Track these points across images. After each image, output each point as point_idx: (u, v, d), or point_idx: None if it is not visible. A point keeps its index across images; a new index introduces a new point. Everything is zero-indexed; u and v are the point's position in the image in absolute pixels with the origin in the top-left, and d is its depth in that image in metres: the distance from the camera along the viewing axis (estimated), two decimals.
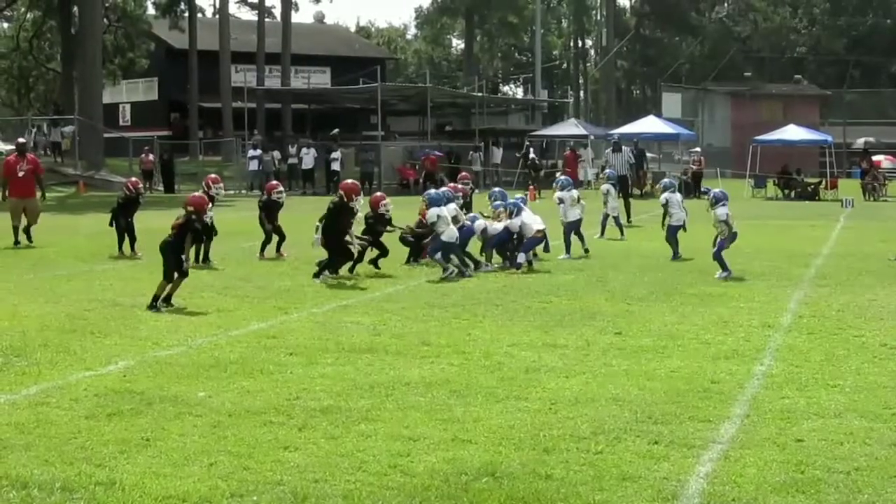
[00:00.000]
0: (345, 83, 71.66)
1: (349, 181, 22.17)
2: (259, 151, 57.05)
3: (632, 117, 75.06)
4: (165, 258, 17.06)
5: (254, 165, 56.57)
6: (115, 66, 77.39)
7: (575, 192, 25.55)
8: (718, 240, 21.08)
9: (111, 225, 24.64)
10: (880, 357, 13.30)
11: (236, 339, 14.30)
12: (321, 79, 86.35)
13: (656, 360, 12.96)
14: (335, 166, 55.45)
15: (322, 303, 17.53)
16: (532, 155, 59.83)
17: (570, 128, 66.41)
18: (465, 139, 66.75)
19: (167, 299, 16.92)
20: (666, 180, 28.43)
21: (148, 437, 9.61)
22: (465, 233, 22.10)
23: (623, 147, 40.25)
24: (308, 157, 56.91)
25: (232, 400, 10.94)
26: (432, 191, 23.75)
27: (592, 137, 63.89)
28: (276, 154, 58.34)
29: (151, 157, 57.73)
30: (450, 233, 20.95)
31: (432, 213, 21.16)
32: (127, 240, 24.48)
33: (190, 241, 17.49)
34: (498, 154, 62.64)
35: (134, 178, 27.50)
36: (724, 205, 21.00)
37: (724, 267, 20.71)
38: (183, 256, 17.08)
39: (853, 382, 11.83)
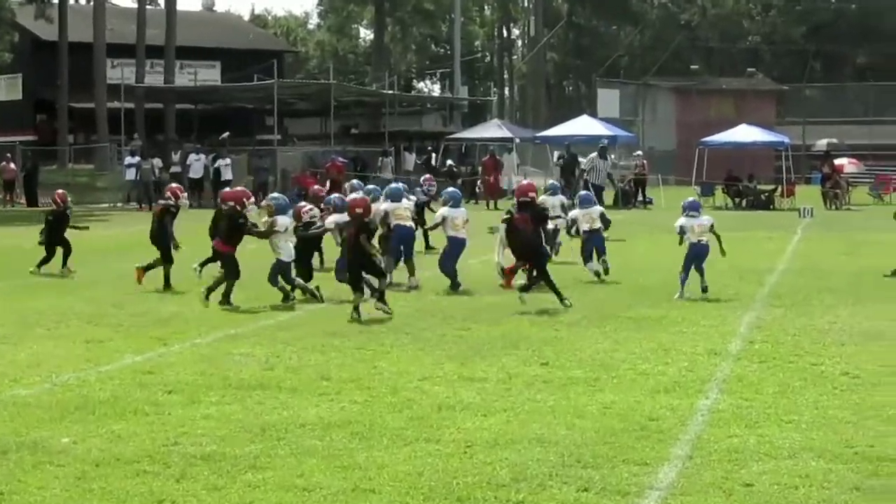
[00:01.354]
0: (237, 79, 71.50)
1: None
2: (137, 159, 56.43)
3: (563, 117, 75.18)
4: (366, 270, 19.02)
5: (131, 175, 55.94)
6: None
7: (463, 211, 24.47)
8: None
9: (41, 244, 25.27)
10: (841, 388, 13.42)
11: (107, 375, 14.16)
12: (210, 74, 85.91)
13: (587, 395, 12.99)
14: (226, 174, 55.05)
15: (207, 332, 17.42)
16: (449, 161, 59.94)
17: (492, 129, 66.35)
18: (373, 143, 66.69)
19: (381, 298, 18.93)
20: (551, 181, 28.96)
21: (1, 490, 9.49)
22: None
23: (608, 156, 40.43)
24: (198, 165, 56.53)
25: (100, 446, 10.83)
26: (334, 195, 23.61)
27: (518, 140, 63.95)
28: (157, 162, 57.78)
29: (13, 165, 57.10)
30: (287, 250, 20.66)
31: (282, 220, 20.68)
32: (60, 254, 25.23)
33: (366, 240, 19.05)
34: (411, 160, 62.69)
35: (61, 191, 27.37)
36: (685, 215, 21.27)
37: (681, 287, 20.89)
38: (375, 258, 19.45)
39: (810, 417, 11.92)
